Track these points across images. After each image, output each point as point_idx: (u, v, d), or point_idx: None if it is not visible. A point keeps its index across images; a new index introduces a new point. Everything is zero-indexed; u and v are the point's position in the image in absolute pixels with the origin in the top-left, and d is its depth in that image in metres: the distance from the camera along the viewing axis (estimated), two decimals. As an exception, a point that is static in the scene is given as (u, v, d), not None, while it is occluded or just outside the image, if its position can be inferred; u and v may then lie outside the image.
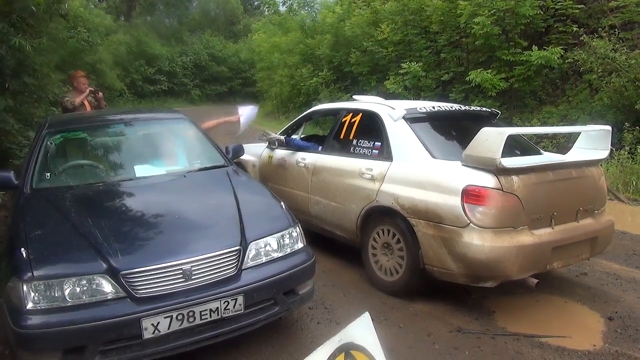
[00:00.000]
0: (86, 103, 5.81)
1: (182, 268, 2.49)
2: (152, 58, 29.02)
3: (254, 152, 5.32)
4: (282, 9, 21.92)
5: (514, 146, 3.66)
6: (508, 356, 2.86)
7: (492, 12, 8.92)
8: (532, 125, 8.48)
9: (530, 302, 3.57)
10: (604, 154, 3.60)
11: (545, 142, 7.98)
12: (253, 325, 2.70)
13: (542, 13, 9.07)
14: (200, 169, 3.74)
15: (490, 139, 3.02)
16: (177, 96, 31.03)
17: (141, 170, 3.54)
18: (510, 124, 8.31)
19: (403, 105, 3.99)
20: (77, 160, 3.62)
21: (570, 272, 4.09)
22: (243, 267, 2.69)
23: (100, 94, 6.03)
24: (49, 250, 2.49)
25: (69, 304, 2.30)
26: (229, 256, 2.66)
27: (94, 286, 2.36)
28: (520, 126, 8.35)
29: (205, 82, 33.70)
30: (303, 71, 17.20)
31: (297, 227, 3.05)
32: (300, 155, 4.63)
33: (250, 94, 32.64)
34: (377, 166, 3.76)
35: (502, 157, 2.97)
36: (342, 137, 4.28)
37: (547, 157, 3.79)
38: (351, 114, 4.31)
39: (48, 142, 3.60)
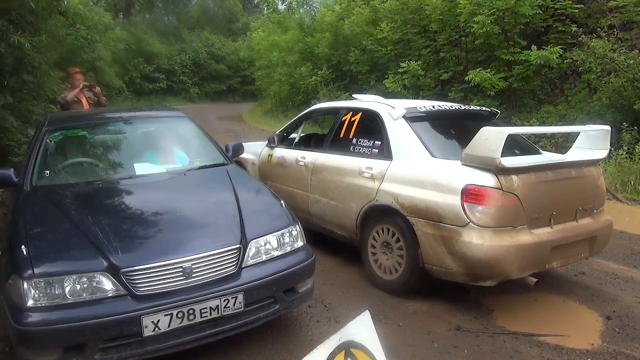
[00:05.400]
0: (83, 99, 5.78)
1: (182, 266, 2.50)
2: (150, 56, 28.94)
3: (253, 150, 5.32)
4: (281, 7, 21.92)
5: (513, 146, 3.66)
6: (507, 355, 2.87)
7: (491, 11, 8.92)
8: (530, 125, 8.50)
9: (529, 301, 3.58)
10: (603, 153, 3.61)
11: (544, 142, 8.00)
12: (253, 323, 2.71)
13: (541, 13, 9.07)
14: (200, 167, 3.75)
15: (490, 139, 3.03)
16: (175, 94, 30.96)
17: (141, 168, 3.54)
18: (509, 123, 8.31)
19: (403, 105, 4.00)
20: (76, 158, 3.63)
21: (569, 272, 4.10)
22: (243, 265, 2.70)
23: (97, 88, 6.00)
24: (49, 248, 2.49)
25: (69, 302, 2.30)
26: (229, 254, 2.66)
27: (95, 284, 2.36)
28: (519, 125, 8.36)
29: (204, 80, 33.64)
30: (302, 70, 17.19)
31: (297, 226, 3.05)
32: (300, 154, 4.63)
33: (249, 92, 32.63)
34: (377, 165, 3.76)
35: (501, 156, 2.98)
36: (342, 136, 4.28)
37: (547, 157, 3.79)
38: (351, 113, 4.32)
39: (48, 140, 3.59)
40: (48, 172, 3.38)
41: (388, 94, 10.13)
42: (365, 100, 4.57)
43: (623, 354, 2.88)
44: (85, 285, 2.35)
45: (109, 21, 22.05)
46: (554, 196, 3.29)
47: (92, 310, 2.30)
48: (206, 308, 2.50)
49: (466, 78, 9.49)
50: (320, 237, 4.38)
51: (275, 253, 2.86)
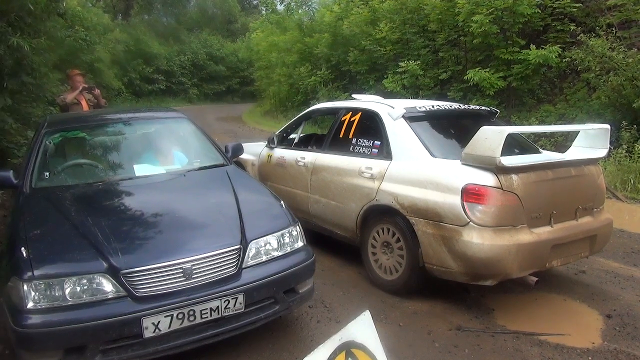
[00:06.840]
0: (83, 101, 5.79)
1: (182, 267, 2.49)
2: (150, 57, 28.89)
3: (253, 151, 5.32)
4: (280, 7, 21.92)
5: (513, 145, 3.66)
6: (507, 354, 2.87)
7: (490, 10, 8.93)
8: (530, 124, 8.50)
9: (529, 300, 3.58)
10: (602, 152, 3.61)
11: (543, 141, 8.00)
12: (253, 324, 2.71)
13: (540, 12, 9.08)
14: (200, 168, 3.75)
15: (490, 138, 3.03)
16: (175, 95, 30.93)
17: (140, 169, 3.53)
18: (508, 122, 8.32)
19: (402, 104, 4.00)
20: (76, 160, 3.62)
21: (569, 270, 4.10)
22: (243, 266, 2.70)
23: (97, 90, 6.01)
24: (49, 250, 2.49)
25: (69, 303, 2.30)
26: (229, 255, 2.66)
27: (95, 285, 2.36)
28: (519, 125, 8.36)
29: (203, 81, 33.61)
30: (301, 70, 17.18)
31: (297, 226, 3.05)
32: (300, 154, 4.63)
33: (249, 93, 32.62)
34: (377, 165, 3.76)
35: (501, 155, 2.98)
36: (341, 136, 4.28)
37: (546, 156, 3.79)
38: (350, 113, 4.31)
39: (47, 142, 3.59)
40: (48, 173, 3.38)
41: (387, 94, 10.13)
42: (365, 100, 4.57)
43: (624, 352, 2.88)
44: (85, 287, 2.35)
45: (107, 22, 22.05)
46: (554, 195, 3.29)
47: (92, 312, 2.30)
48: (206, 309, 2.49)
49: (465, 77, 9.50)
50: (320, 237, 4.38)
51: (276, 253, 2.86)
